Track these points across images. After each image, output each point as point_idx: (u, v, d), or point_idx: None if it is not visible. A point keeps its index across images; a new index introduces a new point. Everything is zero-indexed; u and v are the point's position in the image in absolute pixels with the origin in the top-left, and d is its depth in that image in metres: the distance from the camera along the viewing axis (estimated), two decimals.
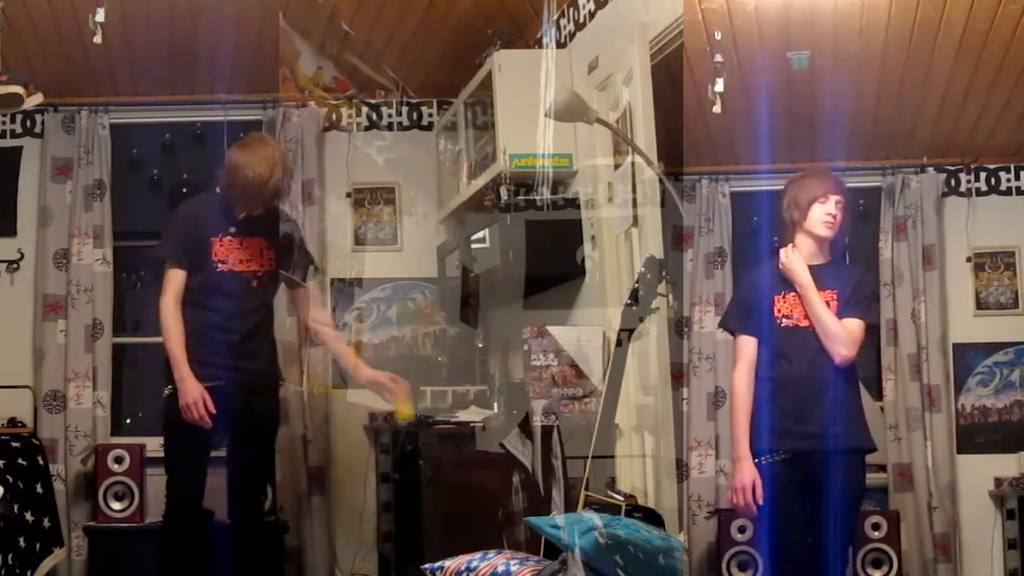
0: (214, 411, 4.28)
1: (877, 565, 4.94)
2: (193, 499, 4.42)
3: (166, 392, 4.39)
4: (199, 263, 4.42)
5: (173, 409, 4.37)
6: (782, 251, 3.92)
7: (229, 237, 4.44)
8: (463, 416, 5.15)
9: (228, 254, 4.41)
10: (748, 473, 3.81)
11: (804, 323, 3.84)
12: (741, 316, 4.03)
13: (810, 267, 3.88)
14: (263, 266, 4.48)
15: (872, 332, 3.99)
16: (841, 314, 3.82)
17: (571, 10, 4.87)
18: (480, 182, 5.18)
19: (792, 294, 3.87)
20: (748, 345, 3.94)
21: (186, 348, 4.37)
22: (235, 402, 4.33)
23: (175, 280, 4.40)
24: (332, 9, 5.43)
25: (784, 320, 3.87)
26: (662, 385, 4.23)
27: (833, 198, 3.87)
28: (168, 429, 4.46)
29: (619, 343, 3.78)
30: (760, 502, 3.79)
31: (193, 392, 4.26)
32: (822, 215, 3.87)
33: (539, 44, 4.93)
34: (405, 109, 6.09)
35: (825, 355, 3.79)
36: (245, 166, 4.34)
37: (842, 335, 3.78)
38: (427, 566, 3.73)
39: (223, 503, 4.55)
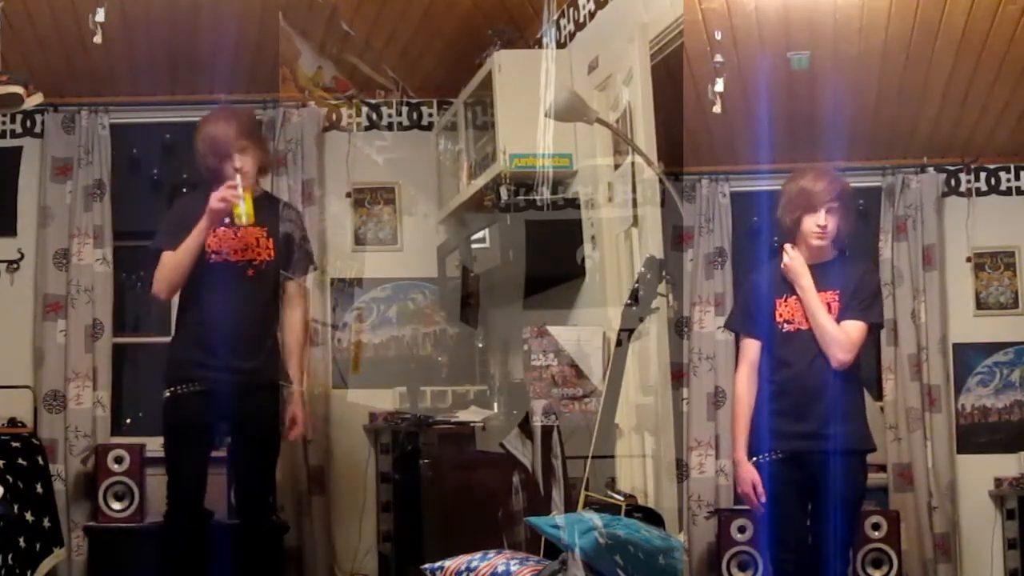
0: None
1: (877, 565, 4.94)
2: (194, 501, 4.41)
3: (166, 394, 4.38)
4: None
5: (173, 411, 4.37)
6: (785, 252, 3.92)
7: (223, 228, 4.36)
8: (463, 416, 5.15)
9: (222, 245, 4.35)
10: (746, 476, 3.87)
11: (805, 326, 3.84)
12: (744, 318, 4.06)
13: (812, 266, 3.89)
14: (259, 255, 4.39)
15: (875, 331, 3.99)
16: (842, 316, 3.81)
17: (571, 10, 4.87)
18: (480, 182, 5.18)
19: (793, 297, 3.87)
20: (751, 347, 3.96)
21: (182, 346, 4.38)
22: (234, 403, 4.30)
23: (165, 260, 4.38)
24: (332, 9, 5.43)
25: (786, 325, 3.87)
26: (662, 385, 4.23)
27: (823, 208, 3.85)
28: (168, 431, 4.45)
29: (619, 343, 3.78)
30: (763, 499, 3.83)
31: None
32: (812, 227, 3.86)
33: (539, 44, 4.92)
34: (405, 109, 6.09)
35: (824, 358, 3.79)
36: (203, 130, 4.38)
37: (840, 340, 3.77)
38: (427, 566, 3.73)
39: (223, 503, 4.55)
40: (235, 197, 4.21)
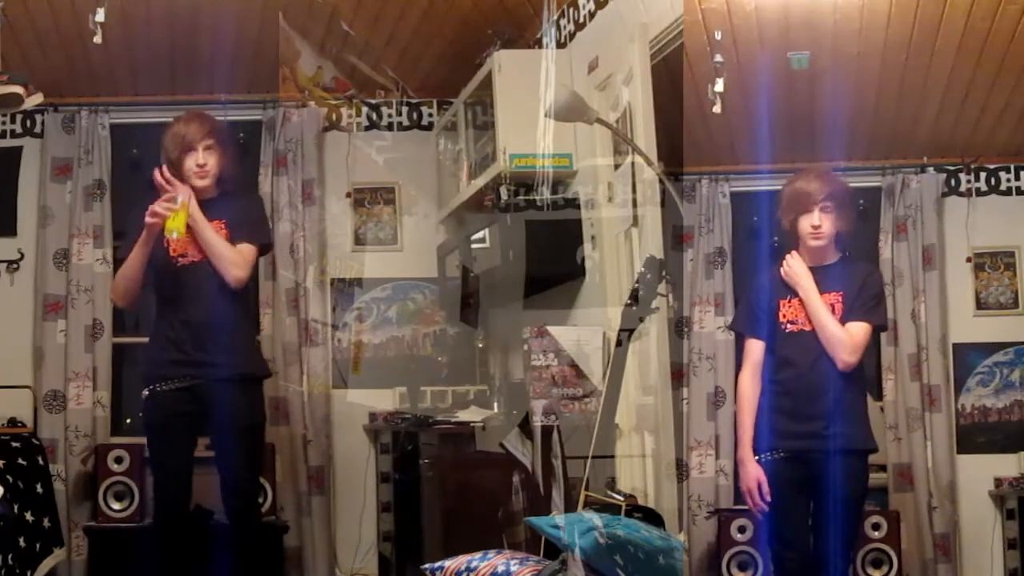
0: None
1: (877, 565, 4.94)
2: (178, 499, 4.40)
3: (145, 393, 4.38)
4: (158, 263, 4.37)
5: (150, 410, 4.37)
6: (787, 258, 3.93)
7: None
8: (463, 416, 5.15)
9: (186, 247, 4.35)
10: (752, 474, 3.87)
11: (808, 327, 3.85)
12: (748, 319, 4.06)
13: (816, 268, 3.90)
14: None
15: (877, 333, 3.99)
16: (846, 318, 3.82)
17: (571, 10, 4.87)
18: (480, 182, 5.18)
19: (797, 299, 3.89)
20: (755, 348, 3.97)
21: (156, 345, 4.39)
22: (211, 398, 4.29)
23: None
24: (332, 9, 5.43)
25: (789, 325, 3.88)
26: (662, 385, 4.23)
27: (817, 208, 3.86)
28: (148, 430, 4.46)
29: (619, 343, 3.78)
30: (767, 499, 3.84)
31: None
32: (807, 227, 3.88)
33: (539, 44, 4.93)
34: (405, 109, 6.09)
35: (827, 358, 3.80)
36: (172, 127, 4.39)
37: (845, 341, 3.78)
38: (427, 566, 3.73)
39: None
40: (167, 211, 4.17)
